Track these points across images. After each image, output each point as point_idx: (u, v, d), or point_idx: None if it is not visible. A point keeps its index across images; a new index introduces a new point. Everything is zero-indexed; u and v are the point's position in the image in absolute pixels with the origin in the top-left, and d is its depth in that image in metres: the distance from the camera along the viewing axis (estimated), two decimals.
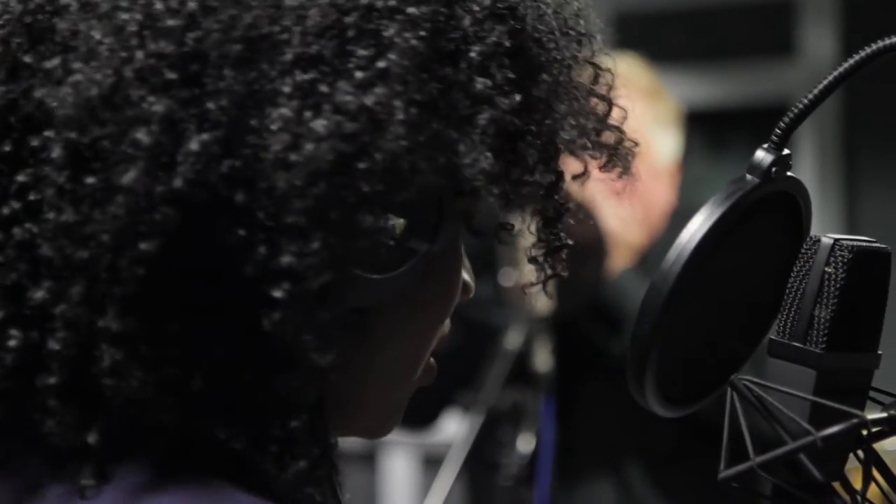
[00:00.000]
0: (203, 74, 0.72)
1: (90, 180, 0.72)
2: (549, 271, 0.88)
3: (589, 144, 0.84)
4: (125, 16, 0.73)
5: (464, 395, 2.07)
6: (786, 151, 0.77)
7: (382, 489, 4.16)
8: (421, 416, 2.25)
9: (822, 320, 0.76)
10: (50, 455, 0.75)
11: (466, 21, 0.76)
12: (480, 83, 0.75)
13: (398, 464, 4.13)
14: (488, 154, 0.75)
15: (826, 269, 0.76)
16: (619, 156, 0.87)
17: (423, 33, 0.74)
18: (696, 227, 0.75)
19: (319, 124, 0.71)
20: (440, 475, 2.00)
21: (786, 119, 0.76)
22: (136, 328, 0.72)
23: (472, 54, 0.75)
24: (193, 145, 0.71)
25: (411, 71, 0.73)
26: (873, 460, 0.77)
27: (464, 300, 0.86)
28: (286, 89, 0.72)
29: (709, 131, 4.06)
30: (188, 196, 0.71)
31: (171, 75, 0.72)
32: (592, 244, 2.07)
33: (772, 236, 0.79)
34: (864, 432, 0.76)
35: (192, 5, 0.73)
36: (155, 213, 0.71)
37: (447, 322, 0.86)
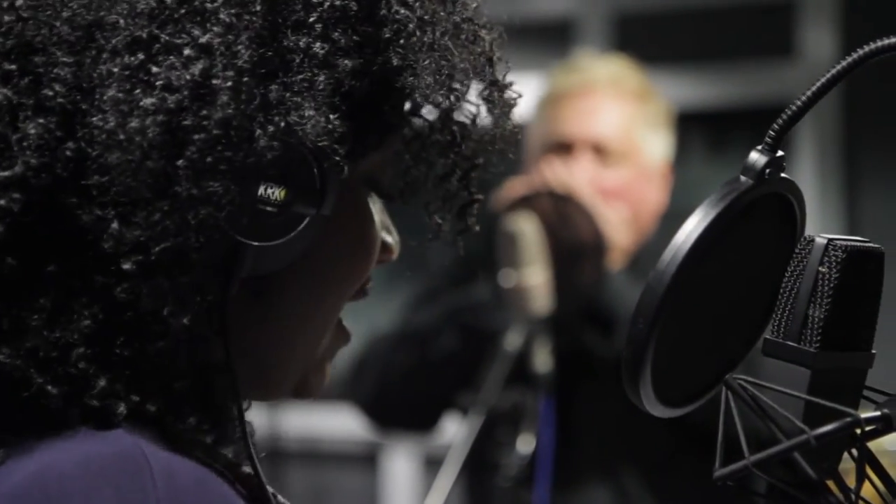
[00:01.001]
0: (40, 63, 0.77)
1: None
2: (460, 226, 0.91)
3: (453, 100, 0.86)
4: None
5: (463, 397, 2.07)
6: (780, 153, 0.77)
7: (382, 490, 4.16)
8: (423, 420, 2.26)
9: (817, 320, 0.76)
10: None
11: None
12: (318, 47, 0.79)
13: (398, 465, 4.13)
14: (330, 115, 0.79)
15: (820, 268, 0.76)
16: (497, 107, 0.89)
17: (256, 6, 0.78)
18: (691, 228, 0.75)
19: (146, 101, 0.75)
20: (440, 476, 2.00)
21: (780, 121, 0.77)
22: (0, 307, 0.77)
23: (312, 19, 0.79)
24: (31, 130, 0.76)
25: (238, 42, 0.77)
26: (867, 459, 0.77)
27: (385, 260, 0.89)
28: (116, 70, 0.76)
29: (708, 132, 4.06)
30: (33, 179, 0.76)
31: (9, 66, 0.77)
32: (591, 244, 2.08)
33: (766, 237, 0.80)
34: (858, 431, 0.76)
35: (20, 1, 0.78)
36: None
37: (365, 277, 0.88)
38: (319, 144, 0.79)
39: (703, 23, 3.98)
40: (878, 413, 0.74)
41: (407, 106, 0.87)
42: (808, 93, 0.76)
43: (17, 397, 0.78)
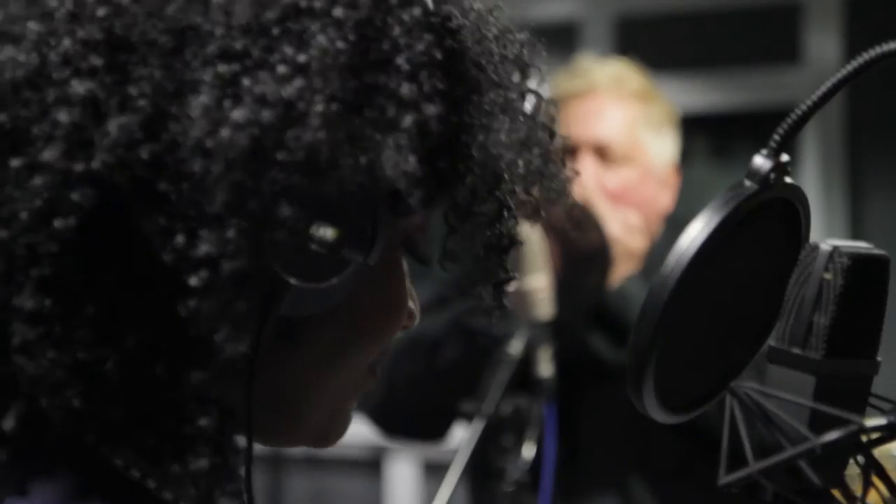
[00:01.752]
0: (128, 62, 0.75)
1: (14, 162, 0.74)
2: (492, 303, 0.89)
3: (530, 175, 0.84)
4: (54, 3, 0.76)
5: (467, 403, 2.06)
6: (785, 157, 0.77)
7: (386, 496, 4.16)
8: (431, 428, 2.25)
9: (822, 327, 0.76)
10: None
11: (396, 30, 0.77)
12: (406, 88, 0.76)
13: (402, 471, 4.13)
14: (411, 157, 0.76)
15: (825, 275, 0.76)
16: (557, 192, 0.87)
17: (350, 36, 0.75)
18: (695, 233, 0.75)
19: (238, 113, 0.73)
20: (443, 482, 2.00)
21: (784, 125, 0.76)
22: (50, 308, 0.74)
23: (400, 61, 0.77)
24: (113, 127, 0.73)
25: (332, 68, 0.74)
26: (873, 466, 0.77)
27: (408, 326, 0.86)
28: (207, 79, 0.74)
29: (713, 137, 4.06)
30: (108, 178, 0.73)
31: (97, 61, 0.75)
32: (596, 252, 2.07)
33: (771, 242, 0.79)
34: (864, 438, 0.76)
35: None
36: (73, 191, 0.73)
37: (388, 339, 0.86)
38: (397, 185, 0.76)
39: (707, 28, 3.98)
40: (883, 421, 0.74)
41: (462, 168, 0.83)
42: (813, 97, 0.76)
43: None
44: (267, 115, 0.73)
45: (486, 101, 0.81)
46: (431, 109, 0.77)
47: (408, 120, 0.76)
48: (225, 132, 0.72)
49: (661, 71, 2.31)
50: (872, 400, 0.78)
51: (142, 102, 0.74)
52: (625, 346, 2.02)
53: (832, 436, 0.72)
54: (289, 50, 0.74)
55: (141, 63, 0.74)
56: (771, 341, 0.78)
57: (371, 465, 4.15)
